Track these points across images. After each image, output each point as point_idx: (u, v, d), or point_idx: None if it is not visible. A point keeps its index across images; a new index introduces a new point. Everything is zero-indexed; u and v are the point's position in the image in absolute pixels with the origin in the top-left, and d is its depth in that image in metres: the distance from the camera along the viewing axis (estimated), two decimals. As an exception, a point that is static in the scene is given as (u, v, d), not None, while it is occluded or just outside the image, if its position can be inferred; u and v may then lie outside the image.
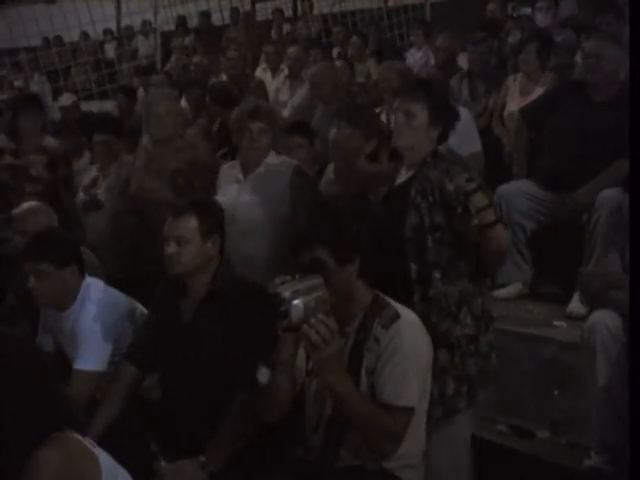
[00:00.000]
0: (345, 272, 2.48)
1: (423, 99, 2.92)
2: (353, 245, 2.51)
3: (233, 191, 3.88)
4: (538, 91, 5.11)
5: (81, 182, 4.97)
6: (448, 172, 2.81)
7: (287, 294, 2.18)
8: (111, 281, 3.50)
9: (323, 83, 5.52)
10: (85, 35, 10.93)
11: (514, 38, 6.71)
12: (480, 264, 2.90)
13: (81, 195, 4.86)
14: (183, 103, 6.83)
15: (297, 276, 2.32)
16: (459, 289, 2.84)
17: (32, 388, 2.05)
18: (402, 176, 2.97)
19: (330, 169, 3.79)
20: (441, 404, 2.80)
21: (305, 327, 2.22)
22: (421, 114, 2.91)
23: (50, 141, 5.17)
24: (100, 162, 4.83)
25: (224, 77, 7.33)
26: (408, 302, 2.69)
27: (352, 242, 2.51)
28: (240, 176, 3.91)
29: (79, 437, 2.09)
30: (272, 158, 3.90)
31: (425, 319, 2.66)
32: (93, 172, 4.87)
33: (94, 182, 4.79)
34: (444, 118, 2.96)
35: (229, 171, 4.03)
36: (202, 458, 2.73)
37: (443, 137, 3.00)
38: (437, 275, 2.81)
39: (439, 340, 2.73)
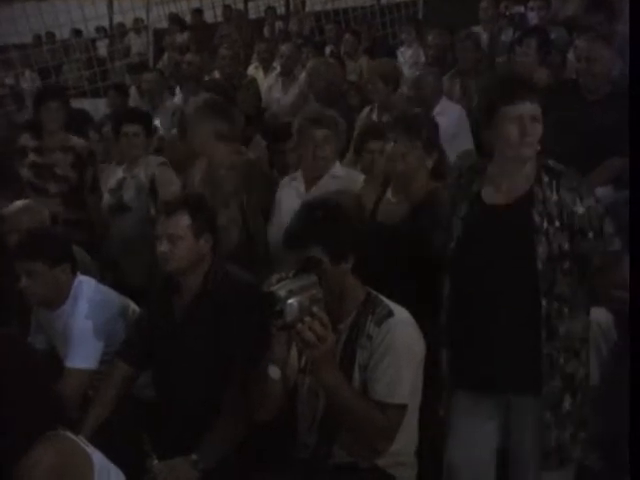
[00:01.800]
0: (340, 270, 2.48)
1: (541, 103, 2.53)
2: (349, 244, 2.51)
3: (295, 206, 3.71)
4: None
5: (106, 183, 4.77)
6: (578, 192, 2.47)
7: (282, 293, 2.19)
8: (132, 287, 3.45)
9: (320, 78, 5.50)
10: (77, 32, 10.89)
11: (507, 36, 6.74)
12: (592, 294, 2.61)
13: (107, 197, 4.65)
14: (179, 98, 6.83)
15: (292, 274, 2.33)
16: (582, 324, 2.55)
17: (25, 387, 2.06)
18: (496, 193, 2.58)
19: (390, 189, 3.34)
20: (559, 452, 2.52)
21: (299, 325, 2.22)
22: (539, 117, 2.52)
23: (77, 140, 4.99)
24: (128, 159, 4.60)
25: (217, 75, 7.33)
26: (530, 343, 2.47)
27: (348, 241, 2.51)
28: (302, 189, 3.68)
29: (72, 436, 2.10)
30: (337, 170, 3.66)
31: (552, 362, 2.47)
32: (119, 173, 4.64)
33: (120, 184, 4.57)
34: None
35: (290, 183, 3.80)
36: (194, 456, 2.72)
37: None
38: (565, 310, 2.48)
39: (565, 384, 2.49)
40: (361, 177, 3.66)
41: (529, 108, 2.49)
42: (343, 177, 3.64)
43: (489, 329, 2.53)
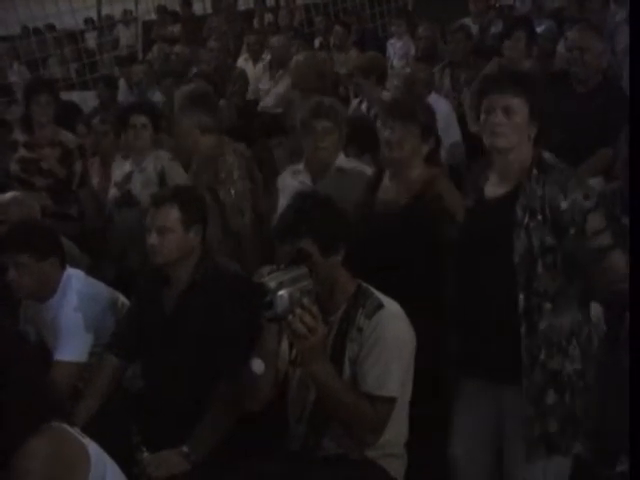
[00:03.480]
0: (330, 263, 2.48)
1: (524, 94, 2.52)
2: (339, 236, 2.51)
3: None
4: None
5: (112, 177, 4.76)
6: (562, 186, 2.44)
7: (272, 285, 2.18)
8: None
9: (305, 72, 5.48)
10: (51, 27, 10.78)
11: (496, 28, 6.74)
12: (588, 290, 2.55)
13: (113, 190, 4.61)
14: (159, 95, 6.79)
15: (282, 266, 2.32)
16: (570, 320, 2.48)
17: (19, 379, 2.04)
18: (495, 186, 2.59)
19: (387, 174, 3.30)
20: (544, 442, 2.49)
21: (289, 317, 2.22)
22: (522, 111, 2.50)
23: (67, 136, 4.97)
24: (135, 151, 4.53)
25: (206, 67, 7.30)
26: (513, 336, 2.45)
27: (338, 233, 2.51)
28: (307, 181, 3.66)
29: (68, 427, 2.09)
30: (343, 161, 3.64)
31: (533, 357, 2.44)
32: (127, 167, 4.59)
33: (128, 177, 4.52)
34: (541, 117, 2.56)
35: (293, 175, 3.77)
36: (185, 448, 2.72)
37: (545, 135, 2.56)
38: (548, 306, 2.45)
39: (547, 379, 2.46)
40: (368, 169, 3.63)
41: (501, 99, 2.50)
42: (350, 169, 3.60)
43: (477, 320, 2.54)
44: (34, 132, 4.84)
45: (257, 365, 2.37)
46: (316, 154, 3.60)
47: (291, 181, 3.75)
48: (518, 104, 2.50)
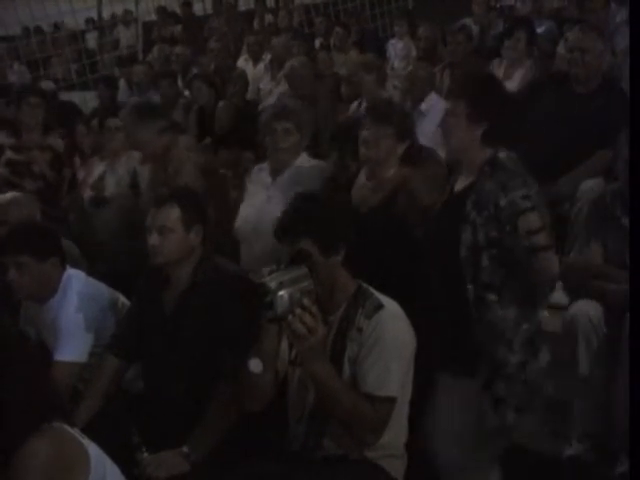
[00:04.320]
0: (330, 263, 2.48)
1: (462, 94, 2.67)
2: (339, 236, 2.51)
3: (261, 198, 3.72)
4: (517, 75, 5.26)
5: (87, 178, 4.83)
6: (504, 186, 2.55)
7: (272, 285, 2.19)
8: (123, 278, 3.45)
9: (301, 77, 5.54)
10: (56, 26, 10.81)
11: (497, 29, 6.75)
12: (530, 288, 2.64)
13: (88, 191, 4.70)
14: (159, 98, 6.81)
15: (282, 266, 2.32)
16: (515, 313, 2.59)
17: (19, 379, 2.04)
18: (460, 182, 2.74)
19: (363, 172, 3.47)
20: (505, 436, 2.61)
21: (289, 317, 2.22)
22: (460, 114, 2.65)
23: (54, 140, 4.99)
24: (110, 153, 4.64)
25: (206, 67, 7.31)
26: (464, 326, 2.58)
27: (338, 233, 2.51)
28: (268, 180, 3.76)
29: (68, 428, 2.09)
30: (303, 160, 3.73)
31: (481, 346, 2.56)
32: (100, 168, 4.70)
33: (101, 178, 4.64)
34: (488, 113, 2.64)
35: (258, 174, 3.88)
36: (185, 448, 2.72)
37: (494, 134, 2.65)
38: (493, 297, 2.56)
39: (495, 370, 2.57)
40: (328, 167, 3.77)
41: (447, 103, 2.78)
42: (308, 167, 3.71)
43: (438, 313, 2.69)
44: (21, 136, 4.86)
45: (255, 364, 2.38)
46: (277, 154, 3.72)
47: (255, 181, 3.86)
48: (456, 108, 2.68)
